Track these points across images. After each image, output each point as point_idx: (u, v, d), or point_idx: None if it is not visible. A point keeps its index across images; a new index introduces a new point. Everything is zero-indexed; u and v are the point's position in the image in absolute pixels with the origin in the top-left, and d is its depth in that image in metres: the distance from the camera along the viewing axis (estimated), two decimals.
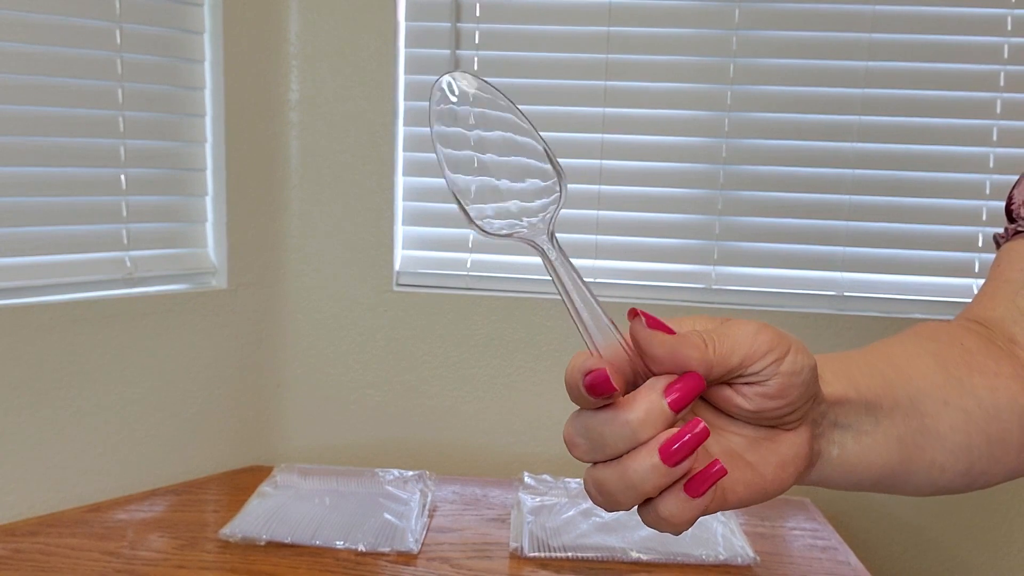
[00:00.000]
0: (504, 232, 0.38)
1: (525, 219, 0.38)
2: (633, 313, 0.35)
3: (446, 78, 0.38)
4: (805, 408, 0.39)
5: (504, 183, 0.38)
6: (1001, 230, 0.58)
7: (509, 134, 0.38)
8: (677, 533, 0.37)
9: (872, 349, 0.49)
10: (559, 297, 0.37)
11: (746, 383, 0.37)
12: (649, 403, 0.34)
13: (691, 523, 0.36)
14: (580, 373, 0.34)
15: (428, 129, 0.39)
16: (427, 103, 0.38)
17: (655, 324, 0.35)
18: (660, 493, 0.35)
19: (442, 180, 0.38)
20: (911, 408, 0.45)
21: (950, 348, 0.50)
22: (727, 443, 0.39)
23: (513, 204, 0.38)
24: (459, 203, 0.38)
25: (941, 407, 0.46)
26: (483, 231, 0.38)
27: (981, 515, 1.29)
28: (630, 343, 0.36)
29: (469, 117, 0.38)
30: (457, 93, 0.38)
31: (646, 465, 0.34)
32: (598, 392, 0.34)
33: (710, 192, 1.28)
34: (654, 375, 0.36)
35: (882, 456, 0.44)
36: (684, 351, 0.35)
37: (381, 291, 1.31)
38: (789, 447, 0.39)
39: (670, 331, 0.35)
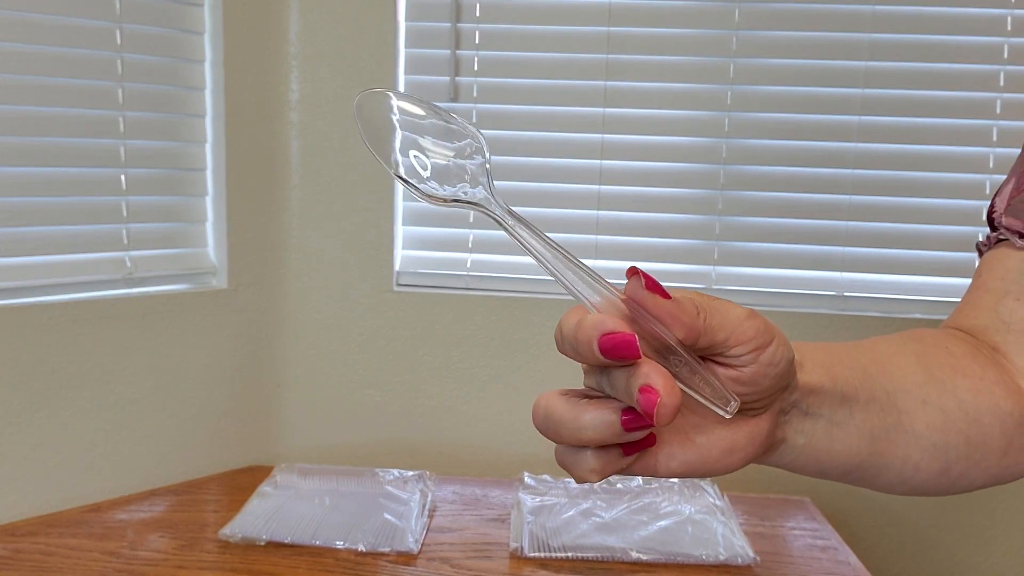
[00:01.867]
0: (458, 196, 0.40)
1: (467, 174, 0.40)
2: (632, 271, 0.36)
3: (361, 98, 0.41)
4: (774, 397, 0.39)
5: (430, 144, 0.41)
6: (984, 238, 0.59)
7: (423, 110, 0.42)
8: (582, 483, 0.38)
9: (856, 344, 0.49)
10: (539, 266, 0.38)
11: (721, 365, 0.37)
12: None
13: (605, 478, 0.37)
14: (597, 331, 0.34)
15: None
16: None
17: (654, 287, 0.35)
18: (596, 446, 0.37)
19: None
20: (888, 403, 0.45)
21: (935, 350, 0.50)
22: (680, 421, 0.39)
23: (450, 159, 0.40)
24: (403, 180, 0.40)
25: (919, 405, 0.46)
26: (434, 197, 0.40)
27: (980, 515, 1.29)
28: (625, 298, 0.36)
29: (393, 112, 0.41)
30: (375, 94, 0.41)
31: (602, 419, 0.35)
32: (618, 355, 0.33)
33: (710, 192, 1.28)
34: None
35: (851, 448, 0.44)
36: (679, 314, 0.35)
37: (381, 291, 1.31)
38: (745, 434, 0.39)
39: (667, 295, 0.35)
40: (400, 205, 1.32)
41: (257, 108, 1.24)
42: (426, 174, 0.40)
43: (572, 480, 1.19)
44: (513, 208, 0.39)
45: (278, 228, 1.29)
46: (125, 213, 1.17)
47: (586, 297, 0.36)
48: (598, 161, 1.28)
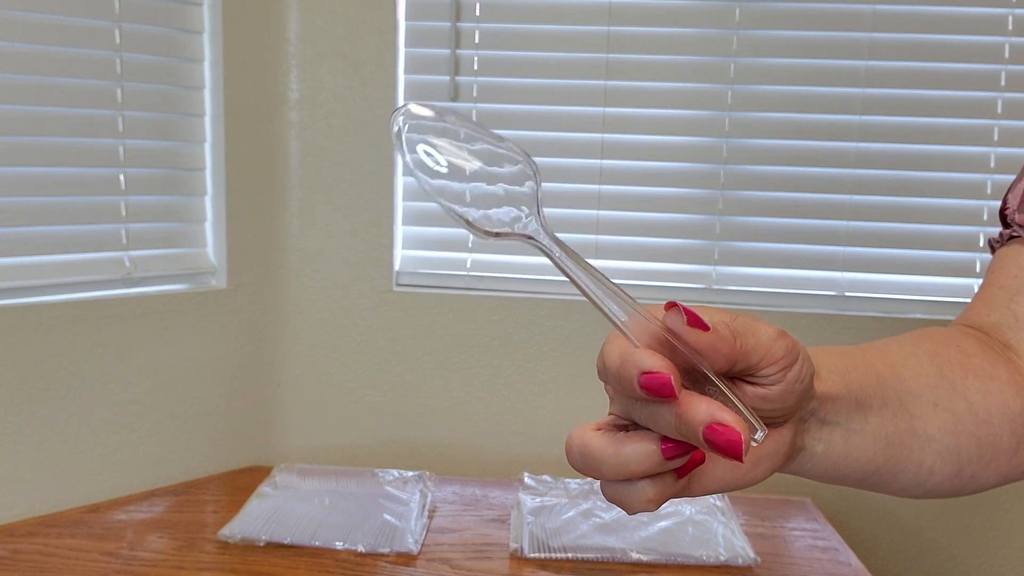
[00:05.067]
0: (504, 230, 0.38)
1: (517, 207, 0.38)
2: (671, 305, 0.35)
3: (407, 108, 0.39)
4: (795, 408, 0.40)
5: (483, 171, 0.39)
6: (996, 234, 0.58)
7: (472, 134, 0.40)
8: (632, 513, 0.37)
9: (870, 346, 0.49)
10: (573, 293, 0.37)
11: (749, 384, 0.37)
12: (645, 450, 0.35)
13: (658, 506, 0.37)
14: (637, 369, 0.33)
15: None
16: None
17: (695, 322, 0.35)
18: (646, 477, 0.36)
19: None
20: (900, 408, 0.46)
21: (947, 349, 0.50)
22: None
23: (500, 188, 0.39)
24: (453, 211, 0.38)
25: (930, 408, 0.46)
26: (485, 231, 0.38)
27: (980, 515, 1.29)
28: (663, 325, 0.36)
29: (437, 129, 0.40)
30: (420, 115, 0.40)
31: (644, 451, 0.35)
32: (656, 395, 0.33)
33: (710, 192, 1.27)
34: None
35: (867, 454, 0.45)
36: (719, 345, 0.35)
37: (381, 291, 1.31)
38: (768, 445, 0.40)
39: (706, 327, 0.35)
40: (400, 205, 1.32)
41: (256, 108, 1.24)
42: (475, 206, 0.38)
43: (572, 480, 1.20)
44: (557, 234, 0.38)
45: (278, 228, 1.29)
46: (124, 213, 1.16)
47: (628, 329, 0.36)
48: (598, 161, 1.27)
